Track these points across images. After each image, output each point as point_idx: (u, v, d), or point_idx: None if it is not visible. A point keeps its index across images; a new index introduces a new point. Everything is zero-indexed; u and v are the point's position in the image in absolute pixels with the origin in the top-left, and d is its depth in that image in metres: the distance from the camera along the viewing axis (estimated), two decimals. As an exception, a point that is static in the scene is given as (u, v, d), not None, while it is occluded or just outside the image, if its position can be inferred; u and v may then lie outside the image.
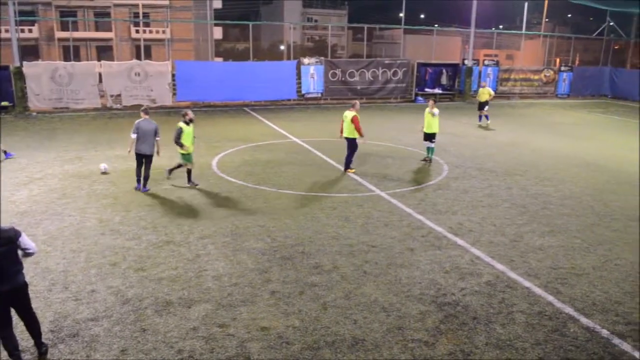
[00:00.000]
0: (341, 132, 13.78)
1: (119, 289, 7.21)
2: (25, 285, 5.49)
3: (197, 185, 12.11)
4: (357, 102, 13.93)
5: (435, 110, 14.65)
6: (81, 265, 7.89)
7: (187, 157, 11.88)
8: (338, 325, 6.42)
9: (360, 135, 13.42)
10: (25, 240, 5.43)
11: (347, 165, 13.74)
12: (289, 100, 28.34)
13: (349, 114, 13.40)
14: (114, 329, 6.24)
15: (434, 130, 14.74)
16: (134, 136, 11.44)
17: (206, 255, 8.37)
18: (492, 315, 6.76)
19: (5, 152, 14.43)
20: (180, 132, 11.57)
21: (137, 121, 11.61)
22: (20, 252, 5.44)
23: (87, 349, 5.83)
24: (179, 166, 12.20)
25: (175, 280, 7.51)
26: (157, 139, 11.64)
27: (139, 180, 11.80)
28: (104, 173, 13.15)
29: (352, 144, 13.58)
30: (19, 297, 5.46)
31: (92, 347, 5.88)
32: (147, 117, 11.63)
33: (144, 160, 11.63)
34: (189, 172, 12.13)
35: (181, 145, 11.62)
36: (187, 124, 11.72)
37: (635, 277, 7.96)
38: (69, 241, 8.81)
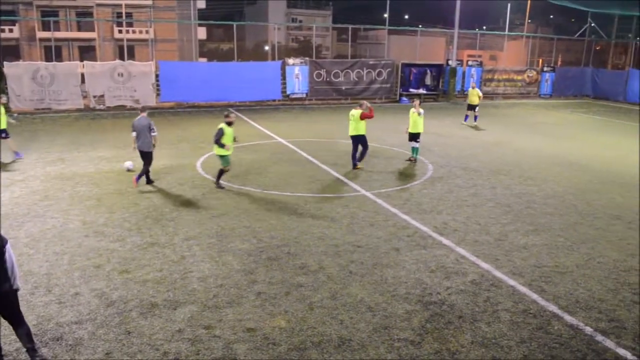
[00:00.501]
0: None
1: (103, 291, 7.14)
2: (11, 291, 5.38)
3: (223, 187, 12.08)
4: (365, 102, 14.21)
5: (421, 110, 14.79)
6: (64, 268, 7.80)
7: (226, 159, 11.89)
8: (324, 325, 6.42)
9: (370, 114, 13.70)
10: (9, 250, 5.33)
11: (360, 159, 14.12)
12: (274, 100, 28.32)
13: (356, 112, 13.67)
14: (98, 331, 6.17)
15: (419, 130, 14.85)
16: (133, 134, 11.75)
17: (191, 257, 8.32)
18: (478, 313, 6.80)
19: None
20: (221, 133, 11.58)
21: (134, 120, 11.94)
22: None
23: (71, 352, 5.76)
24: (222, 172, 12.13)
25: (160, 282, 7.45)
26: (153, 134, 11.86)
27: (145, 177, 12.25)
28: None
29: (362, 141, 13.91)
30: (6, 303, 5.35)
31: (76, 350, 5.81)
32: (143, 114, 11.87)
33: (142, 157, 11.91)
34: (221, 172, 12.13)
35: (222, 146, 11.61)
36: (229, 125, 11.70)
37: (617, 274, 8.07)
38: (52, 243, 8.69)
